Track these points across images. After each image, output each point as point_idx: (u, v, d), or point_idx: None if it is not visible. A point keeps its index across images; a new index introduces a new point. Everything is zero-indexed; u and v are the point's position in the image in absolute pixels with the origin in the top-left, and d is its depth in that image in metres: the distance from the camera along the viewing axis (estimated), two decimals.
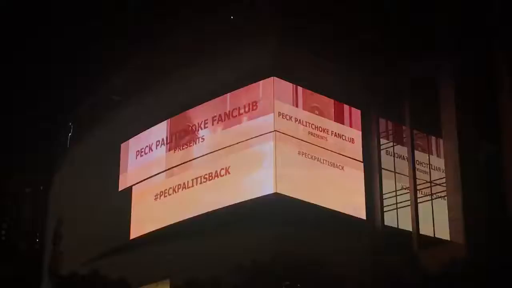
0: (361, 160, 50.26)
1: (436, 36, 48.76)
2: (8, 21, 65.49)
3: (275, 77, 47.37)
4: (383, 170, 50.71)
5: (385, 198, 50.31)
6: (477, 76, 47.24)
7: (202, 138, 50.12)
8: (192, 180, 49.83)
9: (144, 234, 51.95)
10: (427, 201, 49.06)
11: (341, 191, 48.72)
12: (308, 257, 39.69)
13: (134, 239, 52.68)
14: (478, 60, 47.23)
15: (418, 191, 49.01)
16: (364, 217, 49.33)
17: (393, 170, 51.13)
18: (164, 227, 50.86)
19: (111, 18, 58.00)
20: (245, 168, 47.17)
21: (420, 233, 48.27)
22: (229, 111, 49.13)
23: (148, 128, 54.01)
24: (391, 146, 51.39)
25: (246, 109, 48.32)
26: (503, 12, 46.68)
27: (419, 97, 49.73)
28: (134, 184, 53.98)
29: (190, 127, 50.85)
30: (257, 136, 47.14)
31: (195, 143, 50.45)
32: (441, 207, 47.92)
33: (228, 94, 49.31)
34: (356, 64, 50.46)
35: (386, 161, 51.10)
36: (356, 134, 50.64)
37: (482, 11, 47.43)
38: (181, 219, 49.95)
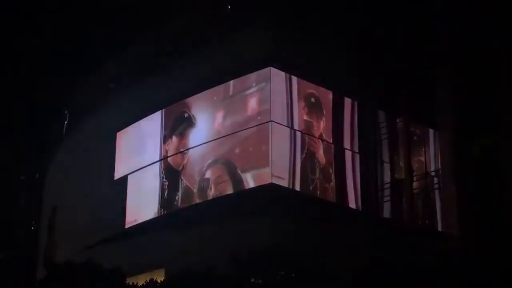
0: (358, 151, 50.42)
1: (434, 27, 48.78)
2: (3, 8, 65.33)
3: (271, 67, 47.24)
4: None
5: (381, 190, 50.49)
6: (474, 67, 47.26)
7: (198, 128, 50.03)
8: (188, 169, 49.82)
9: (139, 223, 51.97)
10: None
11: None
12: (304, 247, 39.67)
13: (129, 227, 52.70)
14: (475, 50, 47.23)
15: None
16: (360, 208, 49.42)
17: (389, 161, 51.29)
18: (159, 216, 50.89)
19: (108, 3, 57.87)
20: (241, 158, 47.12)
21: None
22: (226, 101, 49.01)
23: (144, 116, 53.91)
24: (387, 138, 51.44)
25: (243, 99, 48.24)
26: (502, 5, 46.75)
27: (416, 88, 49.77)
28: (129, 173, 53.93)
29: (187, 116, 50.73)
30: (253, 127, 47.06)
31: (192, 132, 50.39)
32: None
33: (223, 84, 49.19)
34: (354, 55, 50.44)
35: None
36: (353, 125, 50.73)
37: (480, 4, 47.50)
38: (176, 208, 50.00)
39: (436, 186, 50.10)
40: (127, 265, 42.88)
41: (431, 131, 51.36)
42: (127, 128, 55.20)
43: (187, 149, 50.28)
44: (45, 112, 69.44)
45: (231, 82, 48.78)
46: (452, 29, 47.90)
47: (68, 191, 61.56)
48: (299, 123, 47.80)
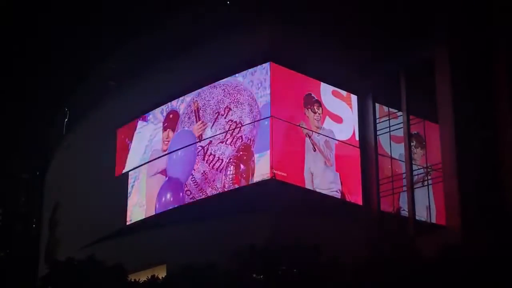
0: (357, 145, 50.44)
1: (433, 22, 48.74)
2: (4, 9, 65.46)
3: (272, 62, 47.25)
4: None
5: (381, 184, 50.52)
6: (473, 61, 47.26)
7: (200, 124, 50.00)
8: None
9: (141, 219, 52.02)
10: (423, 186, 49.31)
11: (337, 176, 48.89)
12: (304, 242, 39.67)
13: (130, 224, 52.76)
14: (474, 45, 47.24)
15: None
16: (360, 202, 49.45)
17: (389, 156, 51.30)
18: (161, 212, 50.92)
19: (109, 2, 57.90)
20: (242, 154, 47.14)
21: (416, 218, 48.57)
22: (227, 96, 48.99)
23: (144, 114, 53.97)
24: (387, 132, 51.44)
25: (243, 93, 48.23)
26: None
27: (416, 82, 49.78)
28: (130, 170, 53.97)
29: (190, 111, 50.72)
30: (254, 122, 47.09)
31: (193, 129, 50.43)
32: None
33: (224, 79, 49.21)
34: (353, 50, 50.40)
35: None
36: (353, 119, 50.75)
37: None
38: (177, 204, 50.01)
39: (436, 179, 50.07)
40: (129, 262, 42.93)
41: (431, 124, 51.36)
42: (127, 125, 55.27)
43: (187, 146, 50.32)
44: (46, 110, 69.54)
45: (232, 77, 48.82)
46: (452, 24, 47.88)
47: (69, 189, 61.60)
48: (300, 118, 47.84)
